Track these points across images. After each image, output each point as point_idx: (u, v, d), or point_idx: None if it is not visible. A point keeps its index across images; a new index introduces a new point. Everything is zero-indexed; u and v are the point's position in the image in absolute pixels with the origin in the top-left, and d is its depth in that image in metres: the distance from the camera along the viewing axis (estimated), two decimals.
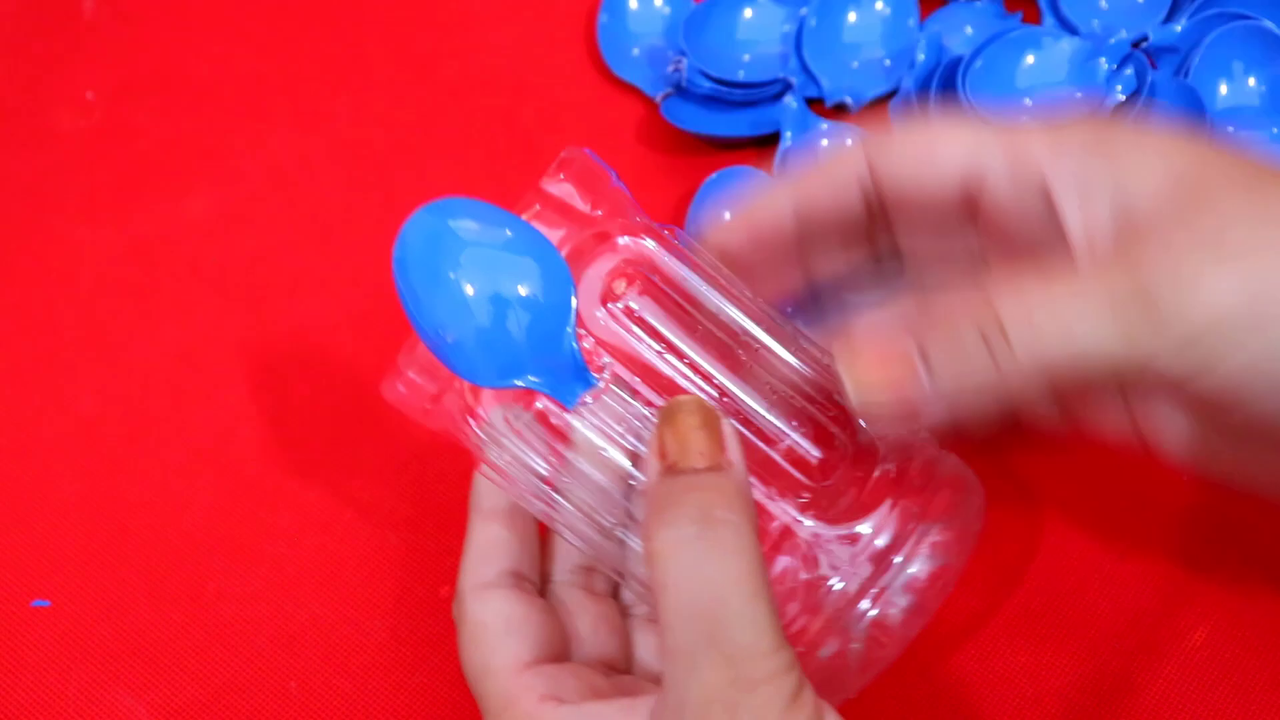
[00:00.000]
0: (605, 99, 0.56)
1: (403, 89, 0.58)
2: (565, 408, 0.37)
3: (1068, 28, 0.54)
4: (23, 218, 0.56)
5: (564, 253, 0.38)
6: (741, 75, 0.54)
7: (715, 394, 0.40)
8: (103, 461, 0.50)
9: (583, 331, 0.38)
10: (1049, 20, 0.55)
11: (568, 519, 0.39)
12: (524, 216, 0.38)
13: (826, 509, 0.39)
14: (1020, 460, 0.48)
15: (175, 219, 0.55)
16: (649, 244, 0.40)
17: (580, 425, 0.39)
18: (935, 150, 0.40)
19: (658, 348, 0.40)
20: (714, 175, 0.53)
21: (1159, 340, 0.34)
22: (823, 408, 0.40)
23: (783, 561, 0.38)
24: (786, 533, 0.39)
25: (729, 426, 0.36)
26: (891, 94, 0.54)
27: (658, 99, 0.55)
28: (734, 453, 0.35)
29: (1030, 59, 0.52)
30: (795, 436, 0.40)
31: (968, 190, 0.39)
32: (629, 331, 0.40)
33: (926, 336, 0.36)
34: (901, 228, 0.42)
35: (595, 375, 0.37)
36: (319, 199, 0.55)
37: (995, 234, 0.40)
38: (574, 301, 0.36)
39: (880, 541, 0.38)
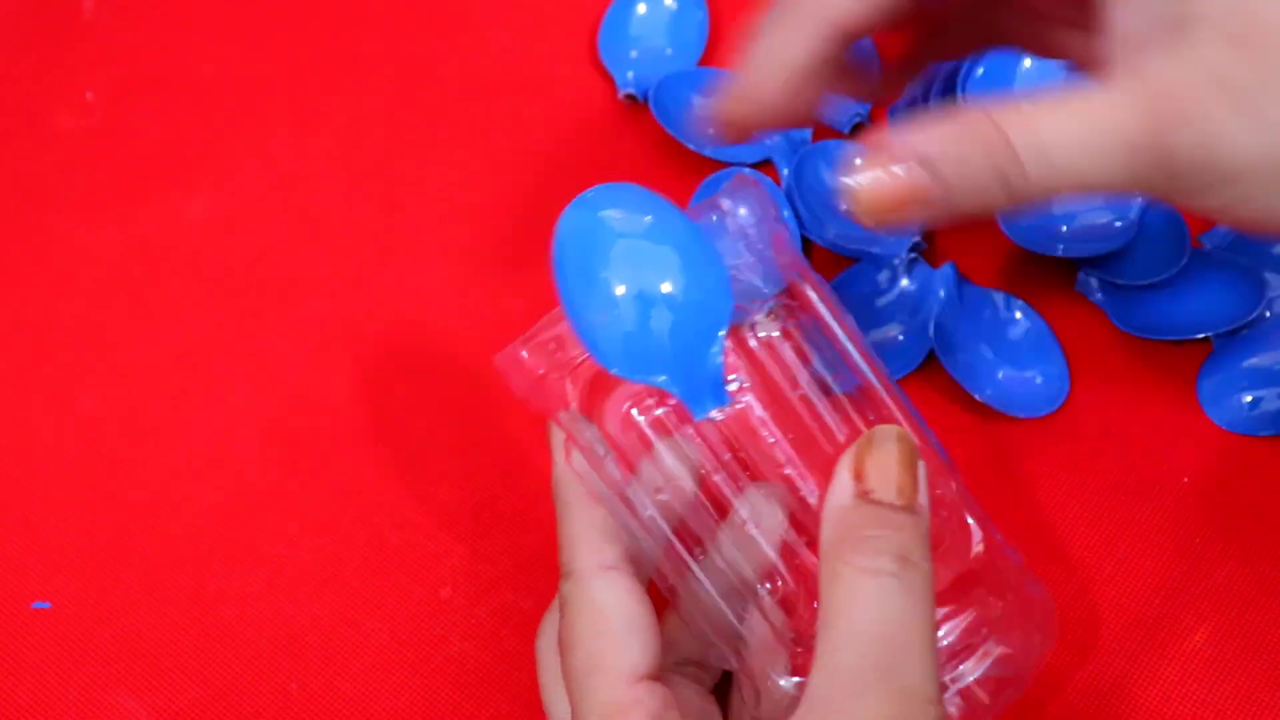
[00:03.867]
0: (605, 100, 0.56)
1: (403, 89, 0.57)
2: (693, 418, 0.37)
3: None
4: (23, 218, 0.55)
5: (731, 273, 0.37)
6: None
7: (832, 446, 0.39)
8: (103, 462, 0.50)
9: (730, 347, 0.38)
10: None
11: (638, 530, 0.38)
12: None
13: None
14: (1019, 459, 0.48)
15: (175, 219, 0.55)
16: (809, 291, 0.39)
17: (663, 447, 0.38)
18: None
19: (791, 391, 0.39)
20: (712, 176, 0.53)
21: (1171, 185, 0.34)
22: (937, 484, 0.39)
23: None
24: None
25: (924, 469, 0.35)
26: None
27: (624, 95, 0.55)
28: (924, 497, 0.35)
29: (1028, 62, 0.52)
30: None
31: None
32: (771, 362, 0.39)
33: (944, 152, 0.35)
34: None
35: (729, 395, 0.36)
36: (319, 199, 0.55)
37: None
38: (729, 315, 0.36)
39: (946, 641, 0.38)
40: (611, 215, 0.35)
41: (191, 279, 0.54)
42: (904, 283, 0.50)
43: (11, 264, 0.54)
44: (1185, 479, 0.47)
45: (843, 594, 0.33)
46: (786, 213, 0.52)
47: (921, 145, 0.35)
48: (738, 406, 0.38)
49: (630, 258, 0.35)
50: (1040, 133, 0.34)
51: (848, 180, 0.35)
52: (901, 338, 0.50)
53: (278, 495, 0.49)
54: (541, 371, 0.38)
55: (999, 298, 0.50)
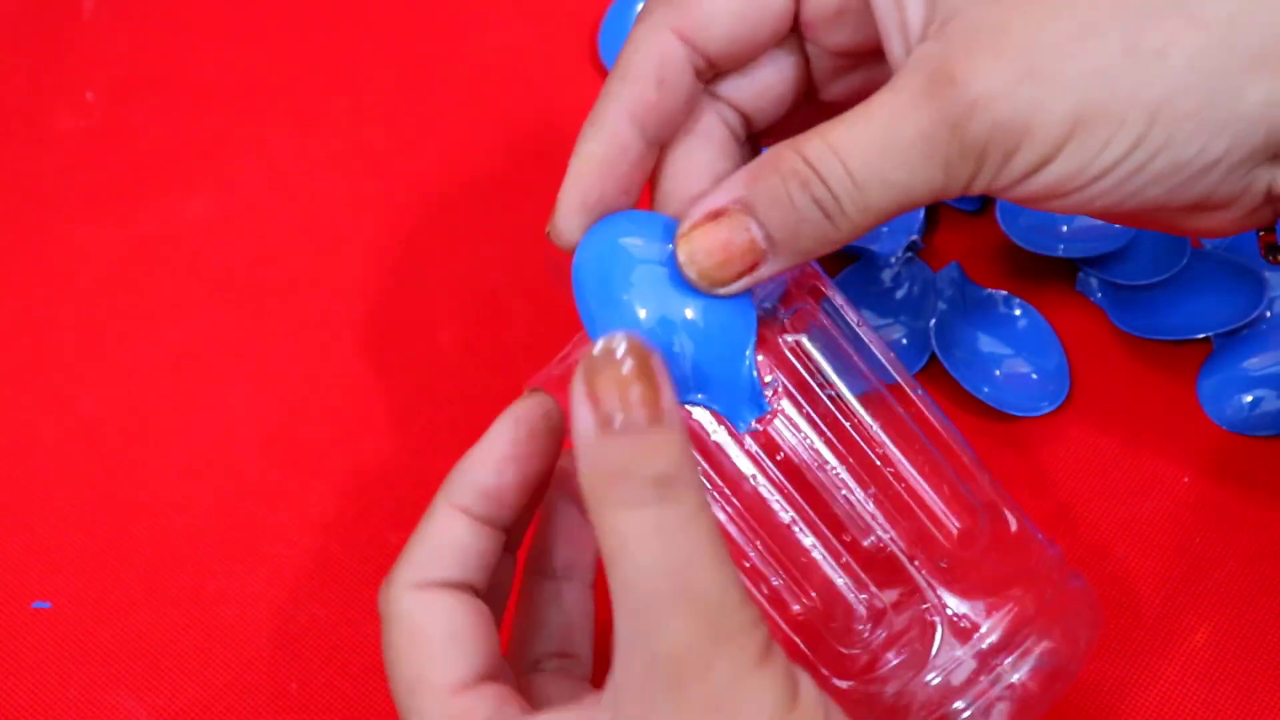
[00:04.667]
0: None
1: (403, 89, 0.57)
2: (735, 431, 0.37)
3: None
4: (23, 218, 0.55)
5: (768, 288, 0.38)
6: None
7: (868, 444, 0.39)
8: (103, 462, 0.50)
9: (761, 358, 0.38)
10: None
11: None
12: None
13: (960, 580, 0.38)
14: (1020, 459, 0.48)
15: (175, 219, 0.55)
16: (831, 294, 0.39)
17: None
18: None
19: (821, 390, 0.39)
20: None
21: (979, 165, 0.34)
22: (971, 479, 0.39)
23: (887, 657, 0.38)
24: (909, 598, 0.38)
25: (661, 367, 0.31)
26: None
27: None
28: (668, 399, 0.31)
29: None
30: (940, 503, 0.39)
31: (793, 12, 0.37)
32: (801, 366, 0.39)
33: (760, 199, 0.35)
34: (737, 80, 0.39)
35: (768, 402, 0.37)
36: (319, 199, 0.55)
37: (825, 42, 0.38)
38: (754, 326, 0.36)
39: (991, 640, 0.38)
40: (630, 241, 0.36)
41: (191, 279, 0.54)
42: (906, 283, 0.51)
43: (11, 264, 0.54)
44: (1185, 479, 0.47)
45: (613, 538, 0.31)
46: None
47: (733, 194, 0.35)
48: (778, 407, 0.38)
49: (651, 282, 0.36)
50: (839, 149, 0.34)
51: (681, 251, 0.35)
52: (904, 340, 0.50)
53: (278, 495, 0.49)
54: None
55: (999, 297, 0.50)
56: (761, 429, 0.37)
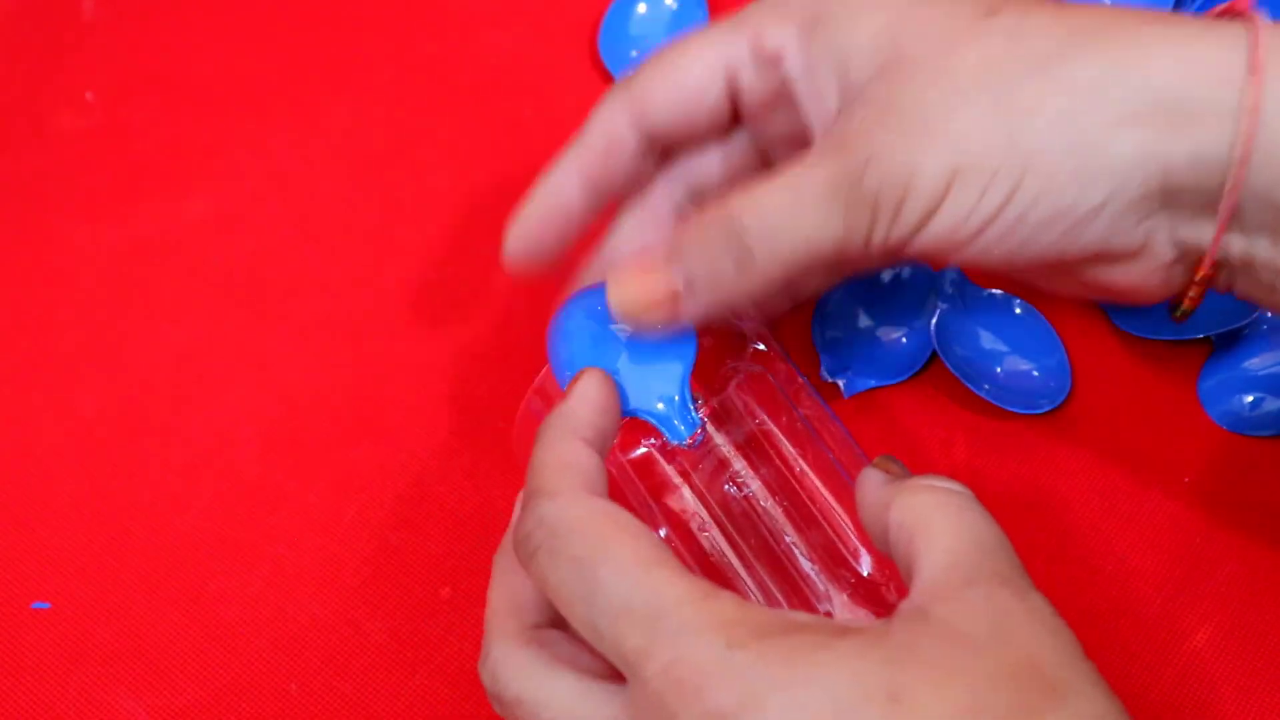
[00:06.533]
0: None
1: (403, 90, 0.57)
2: (674, 443, 0.42)
3: None
4: (23, 218, 0.55)
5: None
6: None
7: (791, 471, 0.44)
8: (103, 462, 0.50)
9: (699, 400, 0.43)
10: None
11: None
12: None
13: (869, 602, 0.42)
14: (1020, 459, 0.48)
15: (175, 219, 0.55)
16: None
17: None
18: (690, 71, 0.42)
19: (752, 422, 0.45)
20: None
21: (875, 217, 0.38)
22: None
23: None
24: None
25: None
26: None
27: None
28: None
29: None
30: (855, 538, 0.43)
31: (732, 97, 0.42)
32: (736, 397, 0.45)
33: (682, 249, 0.39)
34: (686, 153, 0.44)
35: (699, 415, 0.42)
36: (319, 199, 0.55)
37: (766, 132, 0.43)
38: (692, 353, 0.42)
39: None
40: (594, 313, 0.42)
41: (191, 279, 0.54)
42: (907, 283, 0.50)
43: (11, 264, 0.54)
44: (1185, 479, 0.47)
45: (928, 505, 0.36)
46: None
47: (663, 244, 0.40)
48: (705, 420, 0.43)
49: (601, 337, 0.42)
50: (757, 201, 0.39)
51: (612, 294, 0.40)
52: (904, 339, 0.50)
53: (278, 495, 0.49)
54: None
55: (1000, 296, 0.50)
56: (691, 445, 0.42)
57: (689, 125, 0.43)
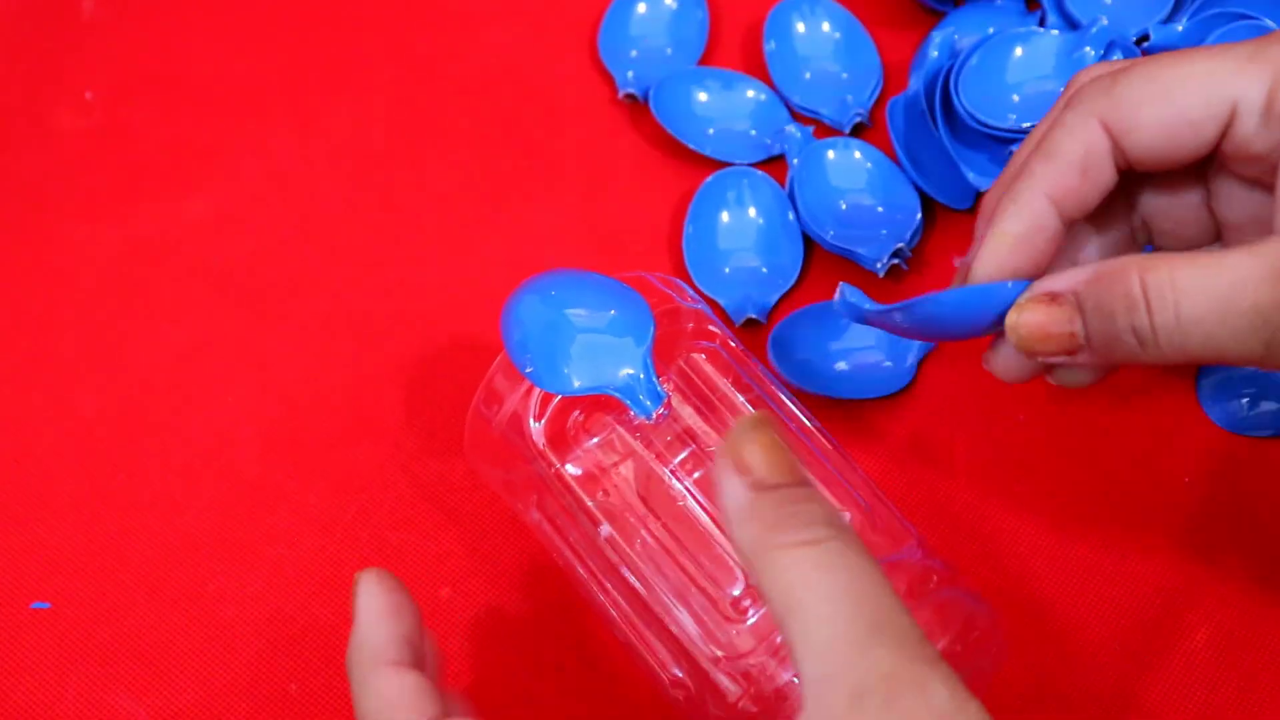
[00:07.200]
0: (605, 100, 0.56)
1: (403, 90, 0.57)
2: (641, 417, 0.42)
3: (1073, 27, 0.54)
4: (23, 218, 0.55)
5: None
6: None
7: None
8: (103, 462, 0.50)
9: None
10: (1053, 19, 0.55)
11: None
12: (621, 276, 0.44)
13: None
14: (1020, 459, 0.48)
15: (175, 219, 0.55)
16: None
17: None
18: (1196, 95, 0.37)
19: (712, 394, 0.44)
20: (713, 176, 0.53)
21: None
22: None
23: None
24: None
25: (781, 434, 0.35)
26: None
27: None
28: (803, 469, 0.34)
29: (1019, 51, 0.52)
30: None
31: (1220, 134, 0.37)
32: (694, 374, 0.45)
33: (1085, 304, 0.37)
34: (1147, 193, 0.41)
35: (665, 393, 0.42)
36: (319, 199, 0.55)
37: (1219, 192, 0.39)
38: (650, 332, 0.42)
39: None
40: (548, 296, 0.43)
41: (191, 279, 0.54)
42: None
43: (11, 264, 0.54)
44: (1185, 479, 0.47)
45: (792, 575, 0.32)
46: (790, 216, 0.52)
47: (1071, 285, 0.37)
48: (670, 396, 0.43)
49: (554, 322, 0.42)
50: (1178, 288, 0.35)
51: (1011, 316, 0.38)
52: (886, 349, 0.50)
53: (278, 495, 0.49)
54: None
55: None
56: (655, 420, 0.42)
57: (1171, 154, 0.38)
